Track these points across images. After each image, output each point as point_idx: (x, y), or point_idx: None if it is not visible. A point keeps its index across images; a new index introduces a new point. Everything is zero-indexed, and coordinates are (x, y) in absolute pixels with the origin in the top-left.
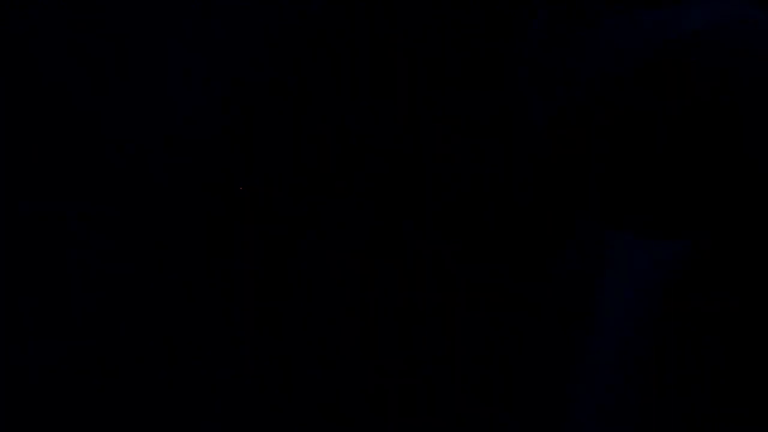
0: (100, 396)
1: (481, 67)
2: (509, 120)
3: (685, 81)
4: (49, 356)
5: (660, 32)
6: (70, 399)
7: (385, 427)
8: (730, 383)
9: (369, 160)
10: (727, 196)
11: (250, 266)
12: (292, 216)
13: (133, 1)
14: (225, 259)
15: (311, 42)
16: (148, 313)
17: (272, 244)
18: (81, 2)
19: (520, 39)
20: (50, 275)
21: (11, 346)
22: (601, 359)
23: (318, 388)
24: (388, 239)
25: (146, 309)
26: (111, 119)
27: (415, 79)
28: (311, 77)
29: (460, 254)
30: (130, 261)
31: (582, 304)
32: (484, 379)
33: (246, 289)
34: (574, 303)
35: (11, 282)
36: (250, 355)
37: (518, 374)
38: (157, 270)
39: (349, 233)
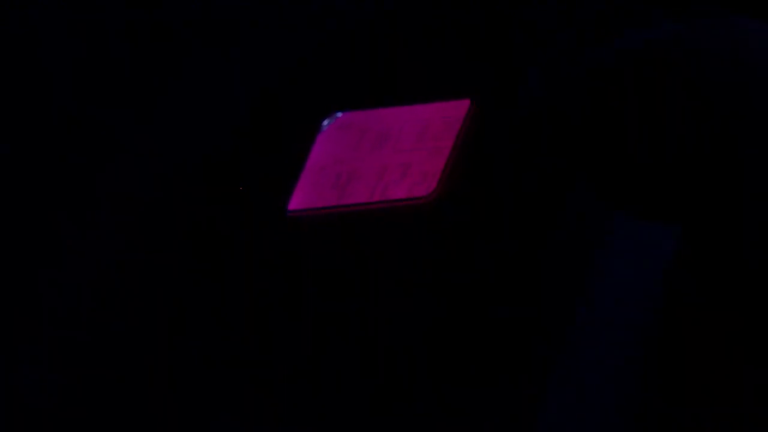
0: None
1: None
2: (513, 93)
3: (669, 75)
4: (44, 360)
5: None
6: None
7: (366, 420)
8: (727, 375)
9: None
10: (707, 185)
11: (253, 269)
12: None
13: (133, 1)
14: (228, 263)
15: (323, 53)
16: (150, 318)
17: (275, 248)
18: (81, 2)
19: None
20: (50, 279)
21: (6, 352)
22: (597, 342)
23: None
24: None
25: (148, 313)
26: (110, 120)
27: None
28: (323, 85)
29: (452, 234)
30: (133, 266)
31: (579, 284)
32: (474, 364)
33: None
34: (570, 283)
35: (8, 284)
36: (252, 359)
37: (510, 357)
38: (160, 275)
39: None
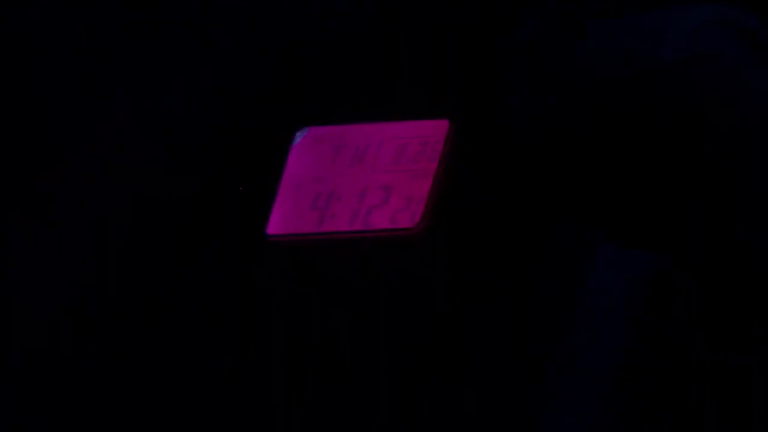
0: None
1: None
2: (496, 119)
3: (656, 109)
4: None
5: (642, 49)
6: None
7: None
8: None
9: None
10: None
11: (249, 268)
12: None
13: (133, 2)
14: (222, 262)
15: (309, 48)
16: (142, 315)
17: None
18: (81, 2)
19: (511, 40)
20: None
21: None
22: (582, 367)
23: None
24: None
25: (140, 310)
26: (109, 120)
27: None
28: (310, 81)
29: (442, 257)
30: (124, 261)
31: (564, 309)
32: (466, 381)
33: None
34: (556, 308)
35: None
36: (247, 358)
37: (497, 378)
38: (150, 271)
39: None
